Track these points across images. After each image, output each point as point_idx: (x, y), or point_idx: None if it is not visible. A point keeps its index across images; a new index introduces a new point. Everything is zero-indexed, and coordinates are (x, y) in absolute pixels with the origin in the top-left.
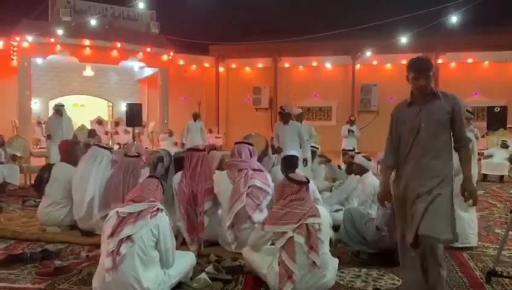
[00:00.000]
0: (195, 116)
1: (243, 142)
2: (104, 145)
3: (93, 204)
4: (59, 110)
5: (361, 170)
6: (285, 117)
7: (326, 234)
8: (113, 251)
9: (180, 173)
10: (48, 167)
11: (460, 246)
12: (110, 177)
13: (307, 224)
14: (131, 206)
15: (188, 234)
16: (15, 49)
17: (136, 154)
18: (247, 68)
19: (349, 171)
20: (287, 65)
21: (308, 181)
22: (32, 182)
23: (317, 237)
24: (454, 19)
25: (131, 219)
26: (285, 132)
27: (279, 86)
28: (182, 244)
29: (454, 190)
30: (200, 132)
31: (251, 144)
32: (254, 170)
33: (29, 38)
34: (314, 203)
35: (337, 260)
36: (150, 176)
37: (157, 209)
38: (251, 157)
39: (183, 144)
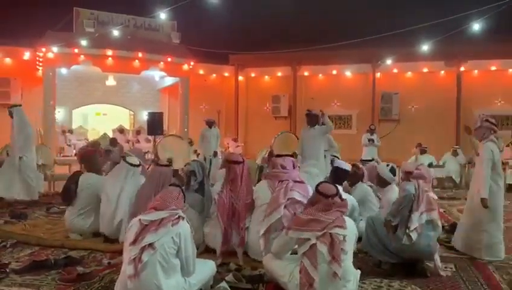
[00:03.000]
0: (210, 123)
1: (285, 155)
2: (133, 162)
3: (124, 222)
4: (9, 111)
5: (384, 182)
6: (312, 119)
7: (350, 245)
8: (135, 258)
9: (220, 182)
10: (75, 177)
11: (492, 259)
12: (140, 189)
13: (331, 233)
14: (154, 214)
15: (220, 245)
16: (41, 60)
17: (167, 163)
18: (266, 77)
19: (352, 182)
20: (306, 74)
21: (337, 194)
22: (56, 189)
23: (341, 247)
24: (476, 26)
25: (153, 227)
26: (309, 135)
27: (299, 95)
28: (203, 252)
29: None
30: (216, 140)
31: (292, 156)
32: (295, 181)
33: (55, 49)
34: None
35: (358, 271)
36: (171, 184)
37: (179, 217)
38: (294, 168)
39: (196, 151)
